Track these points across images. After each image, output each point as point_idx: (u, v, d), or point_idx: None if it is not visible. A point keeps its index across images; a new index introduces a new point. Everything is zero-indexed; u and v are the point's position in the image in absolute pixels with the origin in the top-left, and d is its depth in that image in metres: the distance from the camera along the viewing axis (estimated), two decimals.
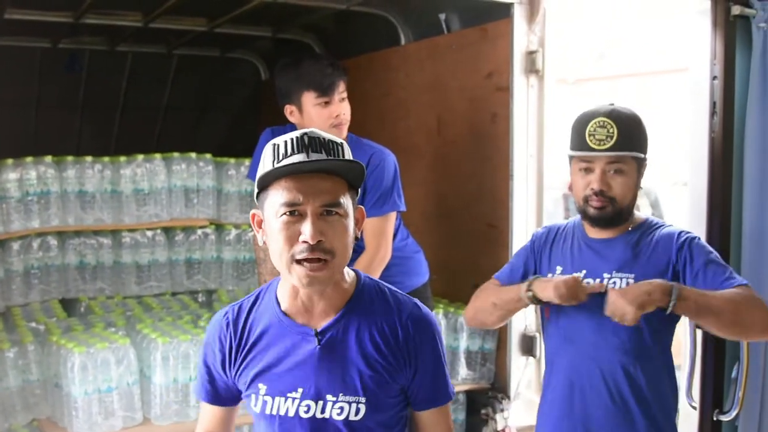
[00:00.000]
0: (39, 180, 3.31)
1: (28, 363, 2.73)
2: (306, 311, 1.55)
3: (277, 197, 1.45)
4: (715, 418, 2.64)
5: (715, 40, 2.77)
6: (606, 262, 2.11)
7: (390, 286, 1.63)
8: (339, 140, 1.50)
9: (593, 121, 2.07)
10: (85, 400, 2.54)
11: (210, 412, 1.68)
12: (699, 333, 2.45)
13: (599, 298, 2.03)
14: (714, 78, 2.78)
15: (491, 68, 3.11)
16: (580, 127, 2.10)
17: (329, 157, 1.45)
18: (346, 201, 1.48)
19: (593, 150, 2.06)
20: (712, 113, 2.80)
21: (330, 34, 4.35)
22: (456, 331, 3.13)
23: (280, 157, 1.44)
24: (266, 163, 1.47)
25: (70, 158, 3.43)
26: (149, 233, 3.57)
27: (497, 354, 3.14)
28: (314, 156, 1.44)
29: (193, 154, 3.60)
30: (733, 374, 2.53)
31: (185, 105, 5.25)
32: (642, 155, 2.11)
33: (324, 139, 1.47)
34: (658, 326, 2.07)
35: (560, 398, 2.15)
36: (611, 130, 2.05)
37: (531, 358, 3.05)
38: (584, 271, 2.11)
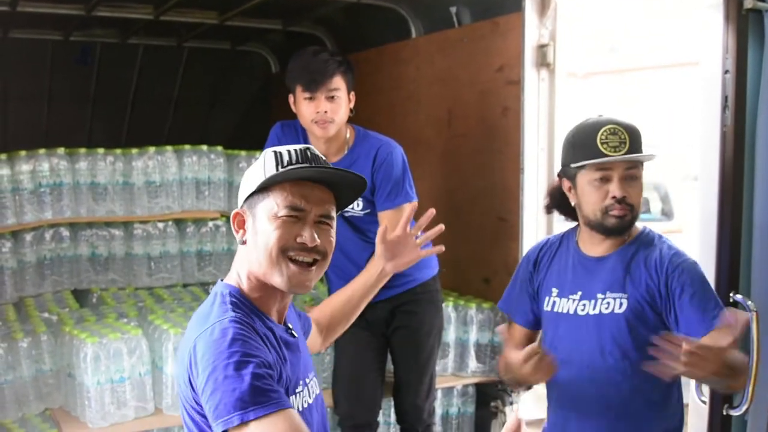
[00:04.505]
0: (52, 172, 3.34)
1: (41, 353, 2.76)
2: (275, 310, 1.59)
3: (280, 199, 1.52)
4: (724, 413, 2.64)
5: (727, 34, 2.76)
6: (598, 282, 2.05)
7: None
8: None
9: (603, 129, 1.99)
10: (97, 390, 2.57)
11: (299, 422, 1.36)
12: None
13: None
14: (726, 72, 2.76)
15: (502, 62, 3.10)
16: (586, 137, 2.01)
17: (344, 170, 1.59)
18: (334, 215, 1.61)
19: (611, 156, 1.97)
20: (724, 107, 2.78)
21: (340, 28, 4.35)
22: (466, 324, 3.14)
23: (285, 164, 1.52)
24: (268, 167, 1.53)
25: (82, 150, 3.45)
26: (161, 225, 3.59)
27: None
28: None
29: (204, 147, 3.62)
30: None
31: (196, 97, 5.26)
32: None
33: (322, 157, 1.59)
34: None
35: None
36: (623, 136, 1.98)
37: None
38: (580, 293, 2.07)
